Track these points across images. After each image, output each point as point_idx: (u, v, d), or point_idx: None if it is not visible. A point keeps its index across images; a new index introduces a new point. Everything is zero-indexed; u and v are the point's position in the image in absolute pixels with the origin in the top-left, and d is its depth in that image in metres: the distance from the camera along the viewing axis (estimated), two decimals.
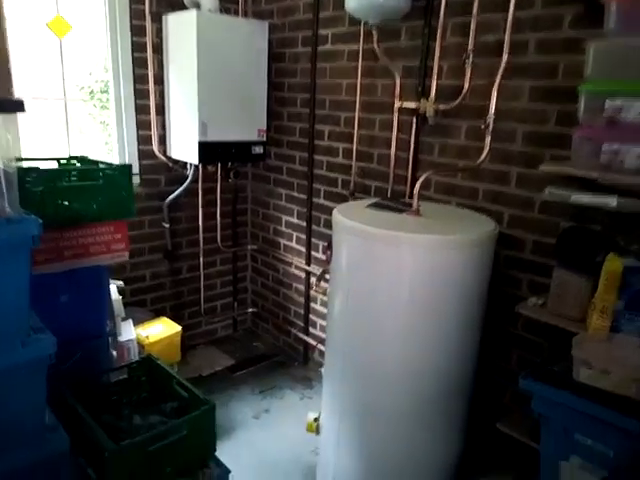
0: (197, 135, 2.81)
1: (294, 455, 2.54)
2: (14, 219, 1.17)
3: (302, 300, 3.33)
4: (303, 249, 3.25)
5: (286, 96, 3.18)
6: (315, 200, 3.11)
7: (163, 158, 3.09)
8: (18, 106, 1.23)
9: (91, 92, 3.77)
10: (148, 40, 2.89)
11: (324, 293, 2.72)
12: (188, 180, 3.08)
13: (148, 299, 3.25)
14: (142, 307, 3.18)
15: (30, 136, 2.76)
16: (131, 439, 1.48)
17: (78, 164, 1.91)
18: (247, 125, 3.01)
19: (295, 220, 3.29)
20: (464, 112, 2.25)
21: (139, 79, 2.94)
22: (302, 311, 3.34)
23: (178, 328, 2.78)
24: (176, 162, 3.11)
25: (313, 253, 3.20)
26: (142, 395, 1.92)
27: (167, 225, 3.19)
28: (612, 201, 1.59)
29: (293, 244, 3.34)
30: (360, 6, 2.28)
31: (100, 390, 1.82)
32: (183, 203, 3.26)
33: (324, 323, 3.09)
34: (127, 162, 3.02)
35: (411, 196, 2.43)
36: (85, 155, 2.01)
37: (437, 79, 2.29)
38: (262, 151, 3.09)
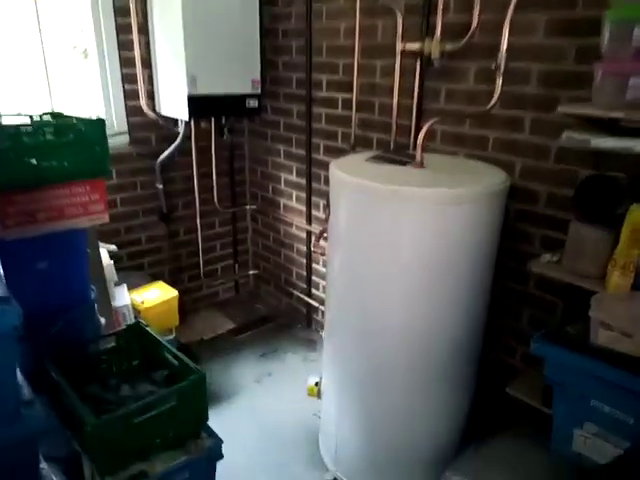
0: (186, 89, 2.63)
1: (297, 419, 2.48)
2: None
3: (304, 261, 3.21)
4: (303, 208, 3.10)
5: (280, 43, 2.96)
6: (314, 156, 2.94)
7: (152, 115, 2.92)
8: None
9: (84, 51, 3.57)
10: None
11: (323, 253, 2.60)
12: (179, 138, 2.91)
13: (145, 263, 3.16)
14: (139, 271, 3.09)
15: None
16: (114, 412, 1.39)
17: (52, 121, 1.76)
18: (240, 76, 2.81)
19: (294, 178, 3.13)
20: (472, 52, 2.04)
21: (122, 29, 2.73)
22: (304, 272, 3.23)
23: (174, 292, 2.68)
24: (166, 119, 2.93)
25: (314, 212, 3.06)
26: (133, 363, 1.84)
27: (161, 186, 3.05)
28: (637, 144, 1.42)
29: (293, 203, 3.19)
30: None
31: (87, 360, 1.73)
32: (176, 163, 3.10)
33: None
34: (114, 120, 2.86)
35: (415, 148, 2.26)
36: (60, 112, 1.86)
37: (443, 15, 2.06)
38: (257, 104, 2.90)
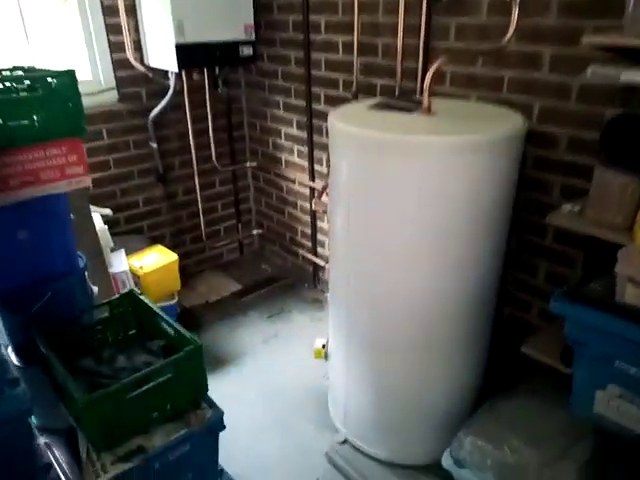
0: (173, 37, 2.44)
1: (305, 380, 2.44)
2: None
3: (308, 219, 3.08)
4: (305, 163, 2.95)
5: None
6: (315, 106, 2.76)
7: (141, 68, 2.73)
8: None
9: None
10: None
11: (325, 211, 2.47)
12: (170, 91, 2.74)
13: (144, 226, 3.05)
14: (139, 235, 2.99)
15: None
16: (106, 387, 1.32)
17: (22, 75, 1.60)
18: (231, 21, 2.61)
19: (295, 131, 2.96)
20: None
21: None
22: (309, 231, 3.11)
23: (174, 256, 2.59)
24: (156, 71, 2.75)
25: (316, 167, 2.90)
26: (129, 332, 1.75)
27: (155, 145, 2.90)
28: None
29: (295, 158, 3.04)
30: None
31: (80, 331, 1.65)
32: (170, 119, 2.94)
33: None
34: (101, 75, 2.69)
35: (422, 92, 2.08)
36: (32, 65, 1.70)
37: None
38: (252, 52, 2.71)
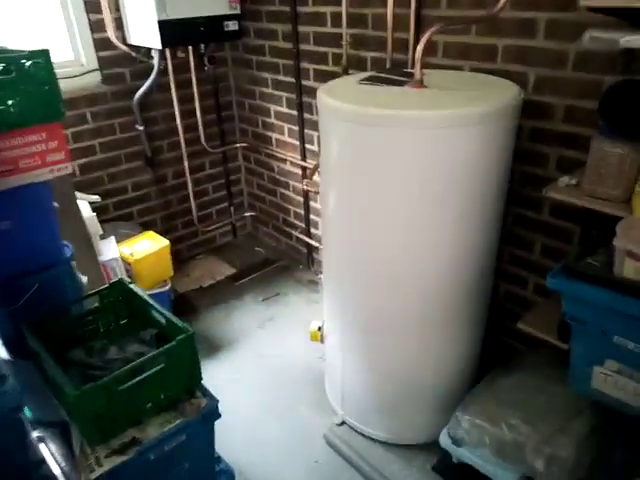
0: (155, 13, 2.35)
1: (301, 363, 2.42)
2: None
3: (301, 199, 3.03)
4: (297, 142, 2.88)
5: None
6: (304, 83, 2.68)
7: (123, 47, 2.64)
8: None
9: None
10: None
11: (317, 192, 2.42)
12: (155, 70, 2.65)
13: (134, 212, 3.00)
14: (129, 221, 2.94)
15: None
16: (97, 379, 1.29)
17: None
18: None
19: (285, 109, 2.89)
20: None
21: None
22: (302, 211, 3.06)
23: (166, 242, 2.54)
24: (139, 50, 2.66)
25: (308, 146, 2.84)
26: (121, 322, 1.72)
27: (141, 127, 2.82)
28: None
29: (285, 137, 2.97)
30: None
31: (70, 322, 1.62)
32: (156, 100, 2.86)
33: None
34: (82, 56, 2.60)
35: (414, 64, 2.01)
36: (4, 46, 1.62)
37: None
38: (237, 27, 2.61)
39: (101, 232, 2.31)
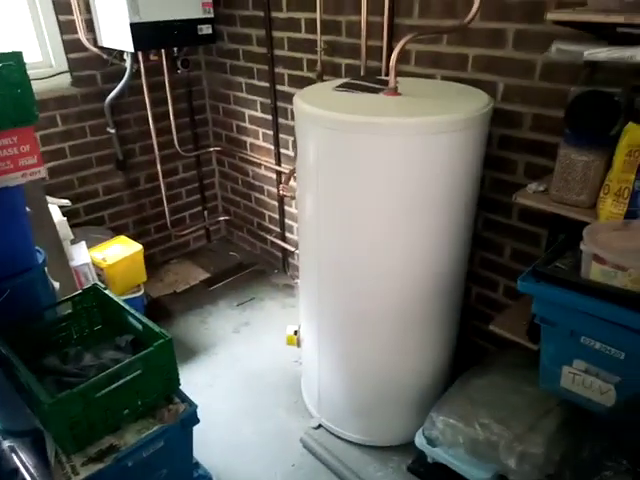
0: (127, 15, 2.32)
1: (278, 367, 2.43)
2: None
3: (276, 204, 3.04)
4: (271, 147, 2.89)
5: None
6: (279, 88, 2.69)
7: (94, 49, 2.60)
8: None
9: None
10: None
11: (294, 197, 2.43)
12: (127, 73, 2.62)
13: (105, 216, 2.95)
14: (100, 225, 2.88)
15: None
16: (73, 387, 1.27)
17: None
18: None
19: (259, 114, 2.89)
20: None
21: None
22: (277, 216, 3.07)
23: (138, 247, 2.51)
24: (111, 52, 2.62)
25: (282, 150, 2.85)
26: (95, 328, 1.70)
27: (113, 130, 2.78)
28: (638, 53, 1.25)
29: (260, 142, 2.97)
30: None
31: (42, 329, 1.59)
32: (128, 103, 2.82)
33: None
34: (52, 58, 2.55)
35: (388, 72, 2.05)
36: None
37: None
38: (211, 31, 2.61)
39: (72, 237, 2.27)
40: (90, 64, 2.65)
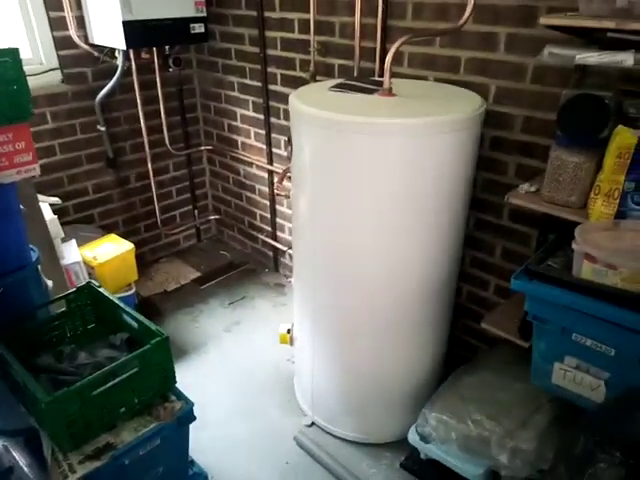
0: (120, 13, 2.31)
1: (270, 365, 2.43)
2: None
3: (267, 203, 3.04)
4: (263, 146, 2.90)
5: None
6: (271, 87, 2.70)
7: (85, 46, 2.58)
8: None
9: None
10: None
11: (288, 196, 2.44)
12: (119, 71, 2.60)
13: (95, 214, 2.92)
14: (89, 224, 2.86)
15: None
16: (70, 385, 1.26)
17: None
18: None
19: (251, 113, 2.90)
20: None
21: None
22: (268, 215, 3.07)
23: (130, 245, 2.49)
24: (102, 50, 2.61)
25: (275, 150, 2.86)
26: (88, 327, 1.69)
27: (103, 128, 2.76)
28: (628, 58, 1.29)
29: (252, 141, 2.98)
30: None
31: (37, 327, 1.58)
32: (119, 101, 2.80)
33: None
34: (42, 55, 2.52)
35: (382, 73, 2.08)
36: None
37: None
38: (203, 30, 2.60)
39: (63, 235, 2.25)
40: (81, 61, 2.62)
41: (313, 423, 2.12)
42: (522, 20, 1.71)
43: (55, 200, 2.37)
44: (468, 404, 1.75)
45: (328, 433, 2.07)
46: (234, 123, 3.04)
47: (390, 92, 1.69)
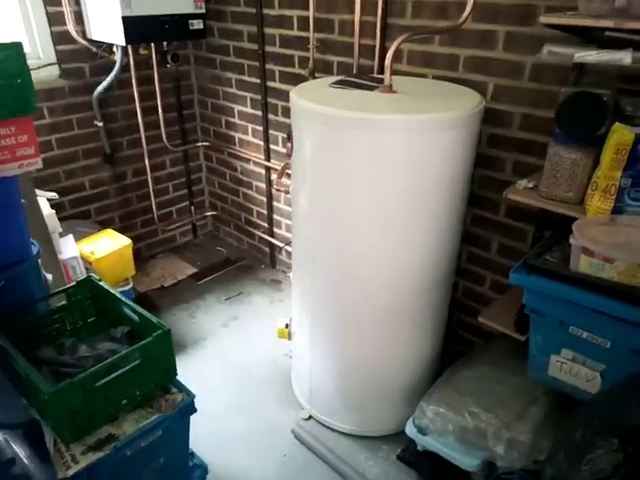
0: (119, 9, 2.31)
1: (267, 360, 2.44)
2: None
3: (264, 199, 3.05)
4: (261, 143, 2.90)
5: None
6: (270, 84, 2.71)
7: (83, 42, 2.58)
8: None
9: None
10: None
11: (287, 191, 2.45)
12: (117, 67, 2.60)
13: (92, 210, 2.92)
14: (86, 219, 2.85)
15: None
16: (72, 376, 1.26)
17: None
18: None
19: (249, 109, 2.90)
20: None
21: None
22: (265, 211, 3.08)
23: (127, 240, 2.49)
24: (100, 45, 2.60)
25: (272, 146, 2.87)
26: (89, 320, 1.69)
27: (100, 124, 2.76)
28: (626, 56, 1.31)
29: (249, 138, 2.98)
30: None
31: (37, 321, 1.58)
32: (116, 97, 2.80)
33: (290, 223, 2.86)
34: (39, 49, 2.51)
35: (381, 71, 2.10)
36: None
37: None
38: (202, 26, 2.61)
39: (60, 230, 2.25)
40: (79, 56, 2.62)
41: (311, 417, 2.13)
42: (521, 19, 1.73)
43: (52, 195, 2.36)
44: (465, 397, 1.77)
45: (326, 426, 2.09)
46: (231, 119, 3.04)
47: (391, 89, 1.71)
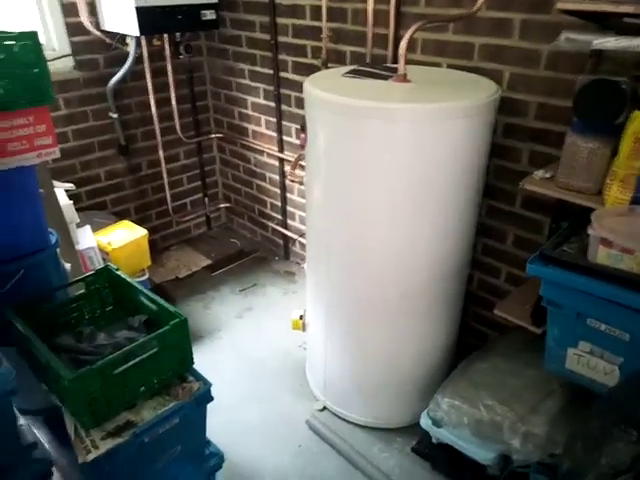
0: None
1: (281, 351, 2.46)
2: None
3: (278, 191, 3.05)
4: (274, 134, 2.90)
5: None
6: (283, 75, 2.70)
7: (97, 33, 2.59)
8: None
9: None
10: None
11: (301, 182, 2.45)
12: (131, 58, 2.61)
13: (108, 201, 2.94)
14: (102, 210, 2.88)
15: None
16: (91, 363, 1.29)
17: None
18: None
19: (262, 101, 2.90)
20: None
21: None
22: (279, 203, 3.09)
23: (143, 231, 2.51)
24: (114, 37, 2.61)
25: (285, 138, 2.86)
26: (107, 309, 1.71)
27: (115, 115, 2.77)
28: None
29: (262, 129, 2.98)
30: None
31: (56, 309, 1.60)
32: (130, 88, 2.81)
33: (304, 214, 2.87)
34: (54, 41, 2.53)
35: (394, 60, 2.08)
36: None
37: None
38: (215, 16, 2.60)
39: (77, 220, 2.27)
40: (93, 48, 2.63)
41: (325, 408, 2.14)
42: (536, 6, 1.70)
43: (69, 186, 2.39)
44: (480, 389, 1.77)
45: (340, 418, 2.10)
46: (244, 111, 3.04)
47: (405, 78, 1.69)
